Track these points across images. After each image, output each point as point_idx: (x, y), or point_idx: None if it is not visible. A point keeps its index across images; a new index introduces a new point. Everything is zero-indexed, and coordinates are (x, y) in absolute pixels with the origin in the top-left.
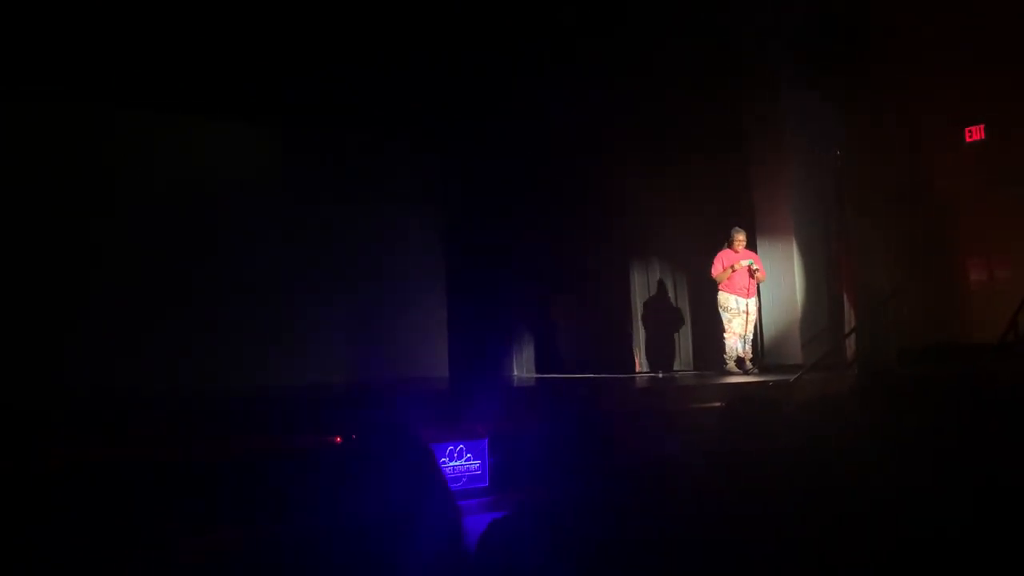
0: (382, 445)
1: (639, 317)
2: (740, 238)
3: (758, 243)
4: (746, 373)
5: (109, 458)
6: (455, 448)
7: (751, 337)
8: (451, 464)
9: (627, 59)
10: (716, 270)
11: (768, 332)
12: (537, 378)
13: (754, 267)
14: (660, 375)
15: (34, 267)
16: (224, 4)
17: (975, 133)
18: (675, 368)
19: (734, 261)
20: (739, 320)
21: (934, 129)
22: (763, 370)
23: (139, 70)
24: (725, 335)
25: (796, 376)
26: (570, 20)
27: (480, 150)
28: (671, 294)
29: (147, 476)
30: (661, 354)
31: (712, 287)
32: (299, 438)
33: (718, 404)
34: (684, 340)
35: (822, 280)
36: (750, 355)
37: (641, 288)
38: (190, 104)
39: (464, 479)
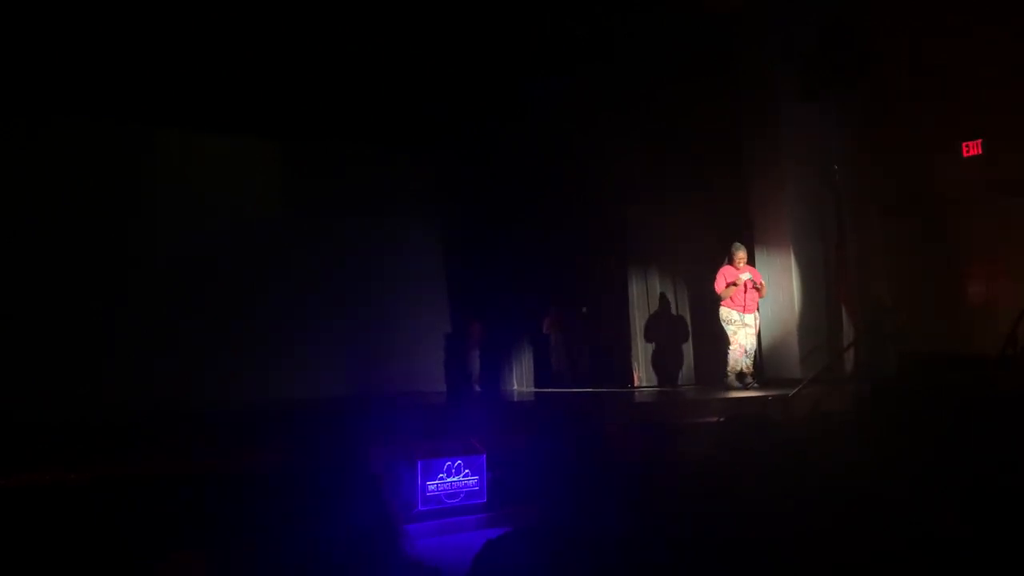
0: (327, 470)
1: (639, 331)
2: (740, 254)
3: (757, 257)
4: (746, 387)
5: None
6: (453, 463)
7: (752, 351)
8: (449, 480)
9: (629, 76)
10: (719, 286)
11: (767, 346)
12: (536, 392)
13: (758, 285)
14: (659, 389)
15: (41, 279)
16: (223, 16)
17: (972, 148)
18: (677, 382)
19: (735, 277)
20: (743, 333)
21: (933, 142)
22: (763, 384)
23: (149, 89)
24: (729, 348)
25: (795, 390)
26: (573, 41)
27: (481, 167)
28: (671, 308)
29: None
30: (661, 368)
31: (713, 301)
32: (241, 461)
33: (716, 419)
34: (685, 354)
35: (821, 294)
36: (751, 369)
37: (641, 302)
38: (195, 120)
39: (462, 495)
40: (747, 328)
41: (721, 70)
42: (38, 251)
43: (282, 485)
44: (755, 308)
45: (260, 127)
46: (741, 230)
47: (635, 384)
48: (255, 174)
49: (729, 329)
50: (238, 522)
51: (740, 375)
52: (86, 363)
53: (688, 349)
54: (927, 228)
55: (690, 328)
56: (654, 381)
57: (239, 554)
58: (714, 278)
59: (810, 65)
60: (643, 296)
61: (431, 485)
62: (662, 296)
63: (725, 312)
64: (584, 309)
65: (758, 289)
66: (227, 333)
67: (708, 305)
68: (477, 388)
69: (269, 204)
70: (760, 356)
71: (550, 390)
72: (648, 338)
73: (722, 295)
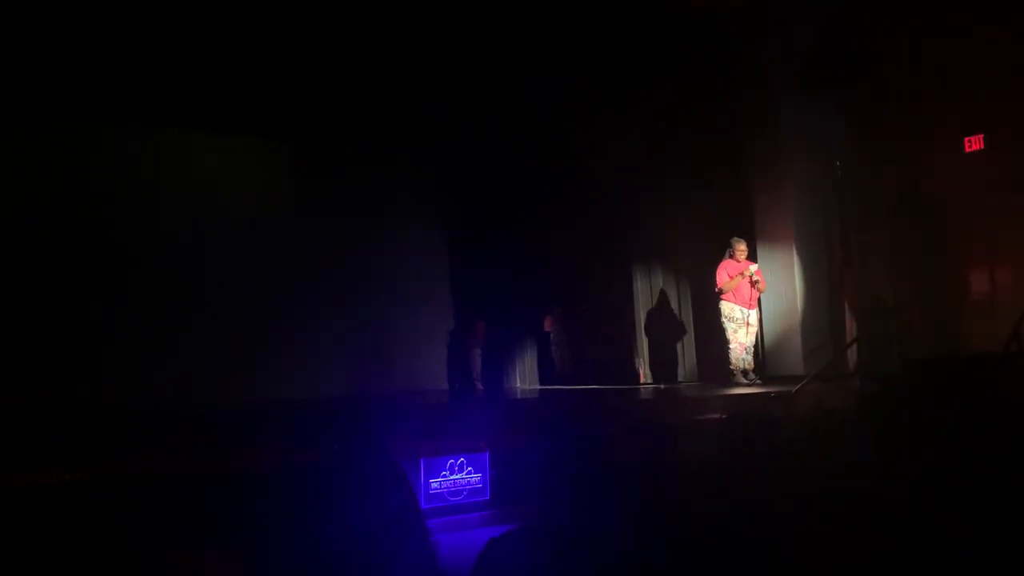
0: (351, 466)
1: (642, 329)
2: (741, 248)
3: (759, 253)
4: (750, 384)
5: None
6: (456, 461)
7: (752, 347)
8: (452, 477)
9: (629, 76)
10: (721, 279)
11: (770, 342)
12: (540, 390)
13: (755, 278)
14: (663, 387)
15: (41, 279)
16: (223, 16)
17: (974, 143)
18: (679, 379)
19: (737, 271)
20: (744, 331)
21: (933, 142)
22: (765, 380)
23: (149, 89)
24: (730, 346)
25: (798, 387)
26: (573, 41)
27: (481, 167)
28: (674, 305)
29: (108, 494)
30: (664, 366)
31: (715, 297)
32: (264, 457)
33: (718, 417)
34: (688, 351)
35: (823, 291)
36: (752, 365)
37: (644, 299)
38: (195, 120)
39: (465, 492)
40: (749, 327)
41: (721, 70)
42: (38, 251)
43: (291, 483)
44: (756, 304)
45: (260, 127)
46: (744, 226)
47: (640, 381)
48: (255, 174)
49: (730, 327)
50: (239, 522)
51: (743, 371)
52: (86, 363)
53: (691, 346)
54: (927, 228)
55: (692, 325)
56: (657, 378)
57: (264, 552)
58: (716, 273)
59: (810, 65)
60: (647, 294)
61: (434, 483)
62: (664, 293)
63: (728, 308)
64: (585, 309)
65: (755, 284)
66: (227, 333)
67: (711, 301)
68: (479, 386)
69: (269, 204)
70: (763, 352)
71: (554, 387)
72: (650, 335)
73: (724, 288)
